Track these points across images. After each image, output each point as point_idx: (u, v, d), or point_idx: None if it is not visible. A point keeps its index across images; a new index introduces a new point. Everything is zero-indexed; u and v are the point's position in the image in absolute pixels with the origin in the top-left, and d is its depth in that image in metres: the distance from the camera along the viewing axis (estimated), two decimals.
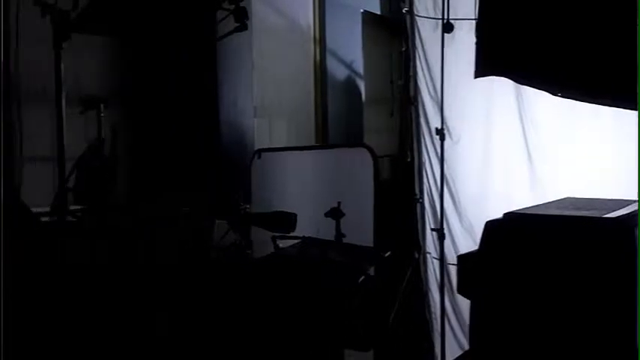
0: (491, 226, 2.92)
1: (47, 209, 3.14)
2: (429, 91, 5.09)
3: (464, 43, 4.62)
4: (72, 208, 3.21)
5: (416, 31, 5.16)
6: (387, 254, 2.79)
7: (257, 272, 2.19)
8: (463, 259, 3.05)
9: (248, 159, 4.81)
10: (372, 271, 2.49)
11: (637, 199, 3.01)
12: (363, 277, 2.24)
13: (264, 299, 2.10)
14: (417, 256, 4.98)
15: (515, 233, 2.83)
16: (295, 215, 2.55)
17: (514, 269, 2.77)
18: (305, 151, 4.69)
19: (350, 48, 6.08)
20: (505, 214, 2.97)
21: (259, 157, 4.59)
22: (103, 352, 2.18)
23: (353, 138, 5.99)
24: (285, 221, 2.48)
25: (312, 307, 2.08)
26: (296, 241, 2.61)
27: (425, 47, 5.13)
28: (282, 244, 2.59)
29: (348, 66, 6.15)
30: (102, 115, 3.71)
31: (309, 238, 2.65)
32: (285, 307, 2.10)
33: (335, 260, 2.48)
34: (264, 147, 4.96)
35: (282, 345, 2.10)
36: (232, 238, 2.39)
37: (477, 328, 2.88)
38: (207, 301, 2.14)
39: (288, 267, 2.25)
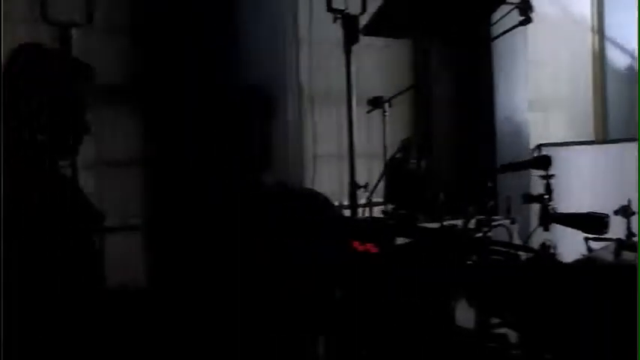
0: None
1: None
2: None
3: None
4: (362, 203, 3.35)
5: None
6: None
7: (576, 275, 2.13)
8: None
9: (524, 154, 4.71)
10: None
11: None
12: None
13: (590, 304, 2.03)
14: None
15: None
16: (607, 216, 2.45)
17: None
18: (589, 146, 4.49)
19: (633, 35, 5.69)
20: None
21: (539, 152, 4.46)
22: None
23: (636, 131, 5.61)
24: (596, 222, 2.39)
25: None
26: (607, 242, 2.49)
27: None
28: (593, 246, 2.49)
29: (631, 54, 5.77)
30: (386, 114, 3.81)
31: (622, 239, 2.52)
32: (610, 314, 2.01)
33: None
34: (541, 142, 4.81)
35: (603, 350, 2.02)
36: (542, 239, 2.34)
37: None
38: (519, 302, 2.12)
39: (614, 271, 2.15)
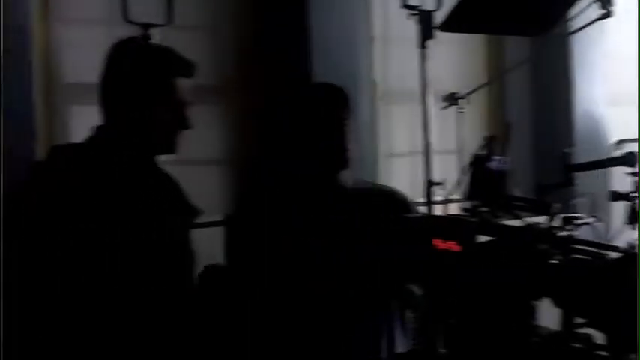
0: None
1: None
2: None
3: None
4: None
5: None
6: None
7: None
8: None
9: (603, 150, 4.63)
10: None
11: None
12: None
13: None
14: None
15: None
16: None
17: None
18: None
19: None
20: None
21: (621, 148, 4.36)
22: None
23: None
24: None
25: None
26: None
27: None
28: None
29: None
30: (462, 110, 3.77)
31: None
32: None
33: None
34: (622, 138, 4.71)
35: None
36: (629, 238, 2.29)
37: None
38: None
39: None
